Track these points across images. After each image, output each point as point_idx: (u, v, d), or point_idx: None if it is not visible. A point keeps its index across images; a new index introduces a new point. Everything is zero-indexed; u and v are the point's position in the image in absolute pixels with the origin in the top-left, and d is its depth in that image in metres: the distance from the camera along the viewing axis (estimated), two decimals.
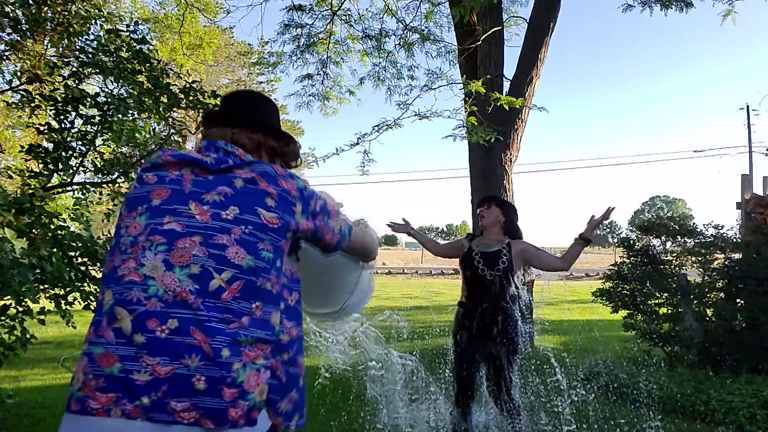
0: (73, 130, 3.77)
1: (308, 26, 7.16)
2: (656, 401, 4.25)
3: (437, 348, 6.61)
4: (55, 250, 3.04)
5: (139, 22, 4.31)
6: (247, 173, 1.21)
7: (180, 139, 4.53)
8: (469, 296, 3.13)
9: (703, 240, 5.50)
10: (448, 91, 6.24)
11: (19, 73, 4.76)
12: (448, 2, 6.80)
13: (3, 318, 3.03)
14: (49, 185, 3.79)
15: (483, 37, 6.09)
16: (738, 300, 5.05)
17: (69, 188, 4.02)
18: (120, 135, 3.85)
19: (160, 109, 3.99)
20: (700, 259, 5.45)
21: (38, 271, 2.81)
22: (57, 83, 4.04)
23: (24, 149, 3.78)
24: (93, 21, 4.39)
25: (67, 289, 3.29)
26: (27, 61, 5.20)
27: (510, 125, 6.02)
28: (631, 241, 5.92)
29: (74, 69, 3.88)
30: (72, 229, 3.53)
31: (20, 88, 4.21)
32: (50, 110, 3.75)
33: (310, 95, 7.57)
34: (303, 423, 1.22)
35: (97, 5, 4.84)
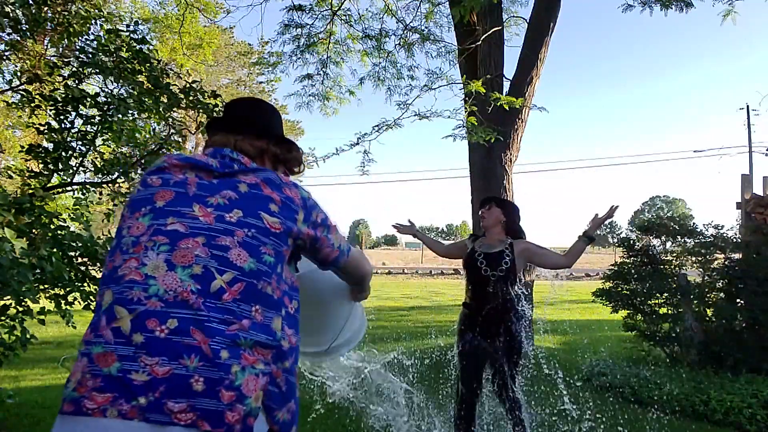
0: (73, 130, 3.76)
1: (308, 26, 7.16)
2: (656, 401, 4.26)
3: (437, 348, 6.61)
4: (55, 250, 3.04)
5: (139, 22, 4.31)
6: (252, 179, 1.22)
7: (180, 139, 4.53)
8: (473, 297, 3.14)
9: (703, 240, 5.50)
10: (448, 91, 6.25)
11: (19, 73, 4.76)
12: (448, 2, 6.79)
13: (3, 318, 3.03)
14: (49, 185, 3.79)
15: (483, 37, 6.09)
16: (738, 300, 5.05)
17: (69, 188, 4.02)
18: (120, 135, 3.85)
19: (160, 109, 3.99)
20: (700, 259, 5.45)
21: (38, 271, 2.81)
22: (57, 83, 4.04)
23: (24, 149, 3.77)
24: (93, 21, 4.39)
25: (67, 289, 3.29)
26: (27, 61, 5.20)
27: (510, 125, 6.02)
28: (631, 241, 5.92)
29: (74, 69, 3.88)
30: (72, 229, 3.53)
31: (20, 88, 4.21)
32: (50, 110, 3.75)
33: (310, 95, 7.57)
34: None
35: (97, 5, 4.84)
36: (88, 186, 3.98)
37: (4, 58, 4.51)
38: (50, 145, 3.74)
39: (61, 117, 3.72)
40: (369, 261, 1.54)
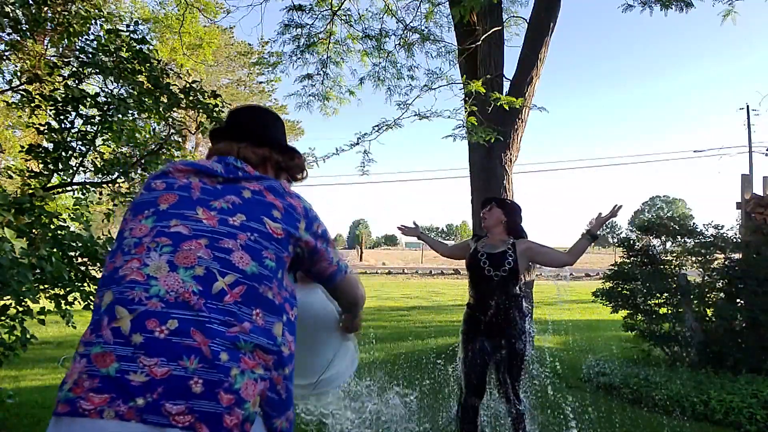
0: (73, 130, 3.76)
1: (308, 26, 7.16)
2: (656, 401, 4.26)
3: (438, 348, 6.62)
4: (54, 250, 3.04)
5: (139, 22, 4.31)
6: (255, 186, 1.23)
7: (180, 139, 4.53)
8: (477, 297, 3.16)
9: (703, 240, 5.50)
10: (448, 91, 6.24)
11: (19, 73, 4.76)
12: (448, 2, 6.79)
13: (3, 318, 3.03)
14: (49, 185, 3.79)
15: (483, 37, 6.09)
16: (738, 300, 5.05)
17: (69, 188, 4.02)
18: (120, 135, 3.85)
19: (160, 109, 3.99)
20: (700, 259, 5.45)
21: (38, 271, 2.81)
22: (57, 83, 4.04)
23: (24, 149, 3.77)
24: (93, 21, 4.39)
25: (67, 289, 3.29)
26: (27, 61, 5.20)
27: (510, 125, 6.02)
28: (631, 241, 5.92)
29: (74, 69, 3.88)
30: (72, 229, 3.53)
31: (20, 88, 4.20)
32: (50, 110, 3.75)
33: (310, 95, 7.57)
34: None
35: (97, 5, 4.83)
36: (88, 186, 3.98)
37: (4, 58, 4.51)
38: (50, 145, 3.74)
39: (61, 117, 3.72)
40: (363, 287, 1.51)
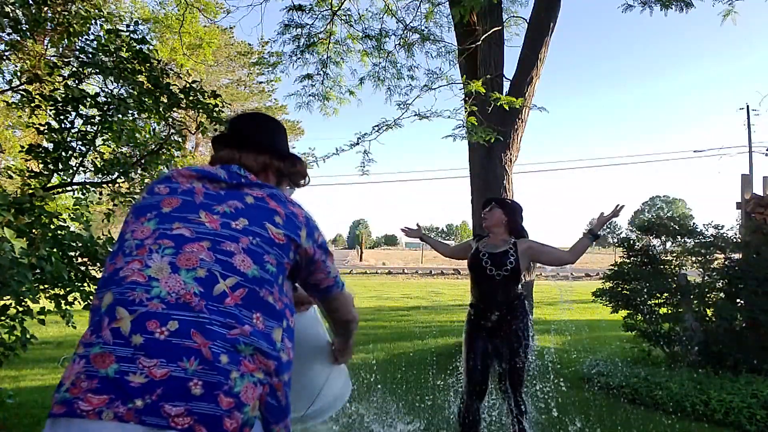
0: (73, 130, 3.76)
1: (308, 26, 7.15)
2: (656, 401, 4.26)
3: (438, 348, 6.61)
4: (54, 250, 3.04)
5: (139, 22, 4.31)
6: (258, 193, 1.24)
7: (180, 139, 4.53)
8: (479, 297, 3.19)
9: (703, 240, 5.50)
10: (448, 91, 6.22)
11: (19, 73, 4.75)
12: (448, 2, 6.79)
13: (3, 318, 3.03)
14: (49, 185, 3.79)
15: (483, 37, 6.08)
16: (738, 300, 5.05)
17: (69, 188, 4.02)
18: (120, 135, 3.85)
19: (160, 109, 3.99)
20: (700, 259, 5.45)
21: (38, 271, 2.81)
22: (57, 83, 4.04)
23: (24, 149, 3.78)
24: (93, 21, 4.39)
25: (67, 289, 3.29)
26: (27, 61, 5.19)
27: (510, 125, 6.02)
28: (631, 241, 5.92)
29: (74, 69, 3.88)
30: (72, 229, 3.53)
31: (20, 88, 4.20)
32: (50, 110, 3.75)
33: (310, 95, 7.55)
34: None
35: (97, 5, 4.83)
36: (88, 186, 3.98)
37: (4, 58, 4.50)
38: (50, 145, 3.74)
39: (61, 117, 3.72)
40: (356, 312, 1.50)
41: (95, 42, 3.99)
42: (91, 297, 3.28)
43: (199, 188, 1.22)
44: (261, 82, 24.91)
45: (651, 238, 6.04)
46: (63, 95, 3.69)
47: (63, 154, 3.72)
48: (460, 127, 5.56)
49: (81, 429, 0.94)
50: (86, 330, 1.06)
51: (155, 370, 0.96)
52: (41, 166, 3.72)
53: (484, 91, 5.37)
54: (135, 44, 3.92)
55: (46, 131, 3.73)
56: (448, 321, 9.76)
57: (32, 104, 3.80)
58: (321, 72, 7.41)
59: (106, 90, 3.92)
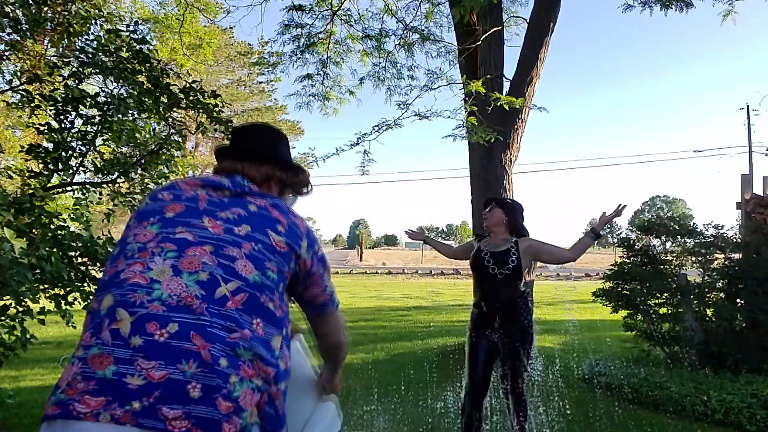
0: (73, 130, 3.77)
1: (308, 26, 7.15)
2: (656, 401, 4.26)
3: (438, 348, 6.61)
4: (54, 250, 3.04)
5: (139, 22, 4.31)
6: (261, 202, 1.25)
7: (180, 139, 4.52)
8: (482, 296, 3.21)
9: (703, 240, 5.50)
10: (448, 91, 6.22)
11: (19, 73, 4.75)
12: (448, 2, 6.79)
13: (3, 318, 3.03)
14: (49, 185, 3.79)
15: (483, 37, 6.08)
16: (738, 300, 5.05)
17: (69, 188, 4.02)
18: (120, 135, 3.85)
19: (160, 109, 3.99)
20: (700, 259, 5.45)
21: (38, 271, 2.81)
22: (57, 83, 4.04)
23: (24, 149, 3.78)
24: (93, 21, 4.39)
25: (67, 289, 3.29)
26: (27, 61, 5.19)
27: (510, 125, 6.01)
28: (631, 241, 5.92)
29: (74, 69, 3.88)
30: (72, 229, 3.53)
31: (20, 88, 4.20)
32: (50, 110, 3.75)
33: (310, 95, 7.55)
34: None
35: (97, 5, 4.83)
36: (88, 186, 3.99)
37: (4, 58, 4.50)
38: (50, 145, 3.74)
39: (61, 117, 3.72)
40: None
41: (95, 42, 3.99)
42: (91, 297, 3.29)
43: (203, 195, 1.23)
44: (261, 82, 24.92)
45: (651, 238, 6.04)
46: (63, 95, 3.69)
47: (63, 154, 3.72)
48: (460, 127, 5.56)
49: (79, 431, 0.93)
50: (85, 332, 1.04)
51: (153, 372, 0.95)
52: (41, 166, 3.72)
53: (484, 91, 5.37)
54: (135, 44, 3.92)
55: (46, 131, 3.73)
56: (448, 321, 9.76)
57: (32, 104, 3.80)
58: (321, 72, 7.41)
59: (106, 90, 3.92)
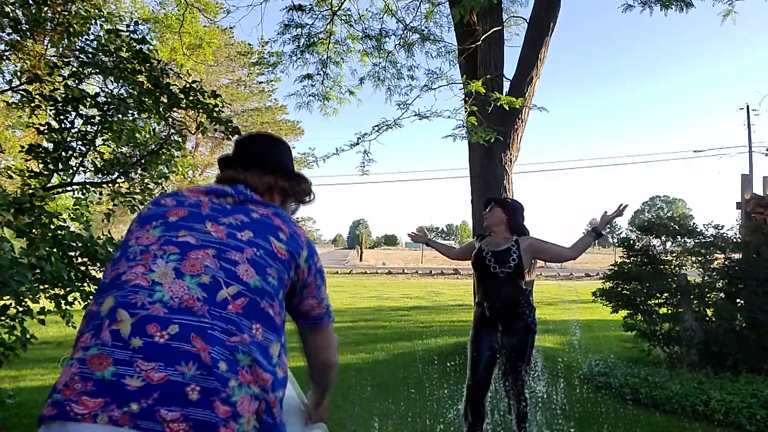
0: (73, 130, 3.77)
1: (308, 26, 7.15)
2: (656, 401, 4.26)
3: (438, 348, 6.61)
4: (54, 250, 3.04)
5: (139, 22, 4.31)
6: (264, 211, 1.27)
7: (180, 139, 4.52)
8: (485, 295, 3.23)
9: (703, 240, 5.50)
10: (448, 91, 6.22)
11: (19, 73, 4.75)
12: (448, 2, 6.79)
13: (3, 318, 3.03)
14: (49, 185, 3.79)
15: (483, 37, 6.08)
16: (738, 300, 5.05)
17: (69, 188, 4.02)
18: (120, 135, 3.85)
19: (160, 109, 3.99)
20: (700, 259, 5.45)
21: (37, 271, 2.81)
22: (57, 83, 4.04)
23: (24, 149, 3.78)
24: (93, 21, 4.39)
25: (67, 289, 3.29)
26: (27, 61, 5.19)
27: (510, 125, 6.01)
28: (631, 241, 5.92)
29: (74, 69, 3.88)
30: (72, 229, 3.53)
31: (20, 88, 4.20)
32: (50, 110, 3.75)
33: (310, 95, 7.55)
34: None
35: (97, 5, 4.83)
36: (88, 186, 3.99)
37: (4, 58, 4.50)
38: (50, 145, 3.74)
39: (61, 117, 3.72)
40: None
41: (95, 42, 3.99)
42: (92, 297, 3.28)
43: (206, 202, 1.24)
44: (261, 82, 24.93)
45: (651, 238, 6.04)
46: (63, 95, 3.69)
47: (63, 154, 3.72)
48: (460, 127, 5.56)
49: None
50: (85, 334, 1.03)
51: (153, 374, 0.94)
52: (41, 166, 3.72)
53: (484, 91, 5.37)
54: (135, 44, 3.92)
55: (46, 131, 3.73)
56: (448, 321, 9.76)
57: (32, 104, 3.80)
58: (321, 72, 7.40)
59: (106, 90, 3.92)
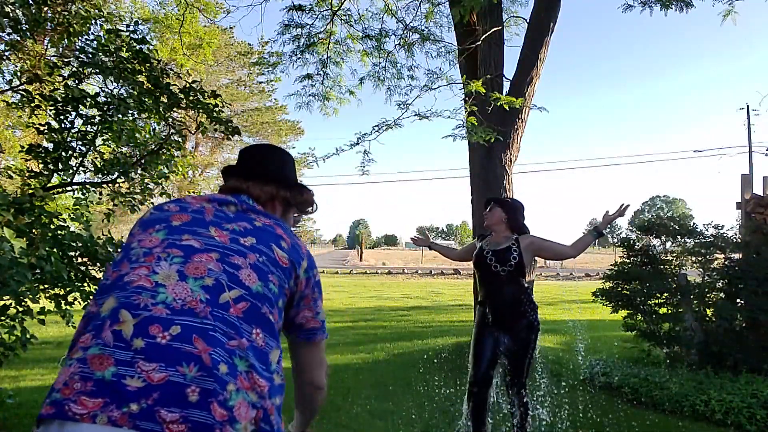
0: (73, 130, 3.77)
1: (308, 26, 7.15)
2: (656, 401, 4.26)
3: (438, 348, 6.61)
4: (54, 250, 3.04)
5: (139, 22, 4.31)
6: (266, 221, 1.28)
7: (180, 139, 4.52)
8: (486, 294, 3.24)
9: (703, 240, 5.50)
10: (448, 91, 6.22)
11: (19, 73, 4.75)
12: (448, 2, 6.79)
13: (3, 318, 3.03)
14: (49, 185, 3.79)
15: (483, 37, 6.07)
16: (738, 300, 5.05)
17: (69, 188, 4.02)
18: (120, 135, 3.85)
19: (160, 109, 3.99)
20: (700, 259, 5.45)
21: (37, 270, 2.81)
22: (57, 83, 4.04)
23: (24, 149, 3.78)
24: (93, 21, 4.39)
25: (67, 289, 3.29)
26: (27, 61, 5.19)
27: (510, 125, 6.01)
28: (631, 241, 5.92)
29: (74, 69, 3.88)
30: (72, 229, 3.53)
31: (20, 88, 4.20)
32: (50, 110, 3.75)
33: (310, 95, 7.54)
34: None
35: (97, 5, 4.83)
36: (88, 186, 3.98)
37: (4, 58, 4.50)
38: (50, 145, 3.74)
39: (61, 117, 3.72)
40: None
41: (95, 42, 3.99)
42: (92, 297, 3.28)
43: (209, 208, 1.26)
44: (261, 82, 24.94)
45: (651, 238, 6.04)
46: (63, 95, 3.69)
47: (63, 154, 3.72)
48: (460, 127, 5.55)
49: None
50: (85, 334, 1.03)
51: (153, 374, 0.94)
52: (41, 166, 3.72)
53: (484, 91, 5.36)
54: (135, 44, 3.92)
55: (46, 131, 3.73)
56: (448, 321, 9.76)
57: (32, 104, 3.80)
58: (321, 72, 7.40)
59: (106, 90, 3.92)
